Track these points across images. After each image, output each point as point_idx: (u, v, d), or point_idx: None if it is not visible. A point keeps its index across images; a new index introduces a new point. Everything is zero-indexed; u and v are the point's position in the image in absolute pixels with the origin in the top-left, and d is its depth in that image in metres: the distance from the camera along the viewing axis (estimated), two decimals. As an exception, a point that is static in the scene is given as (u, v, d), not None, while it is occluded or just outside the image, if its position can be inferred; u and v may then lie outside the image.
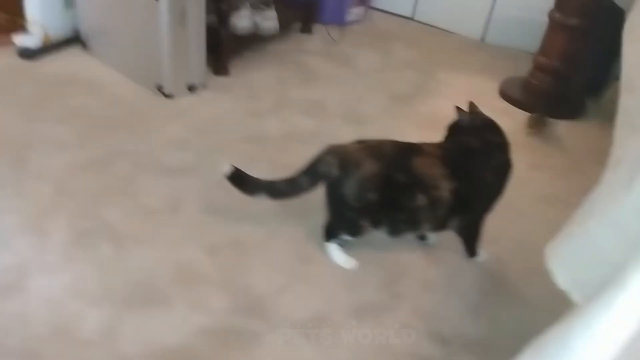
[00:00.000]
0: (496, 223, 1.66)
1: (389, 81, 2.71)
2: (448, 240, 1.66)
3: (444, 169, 1.50)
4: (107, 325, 1.35)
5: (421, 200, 1.49)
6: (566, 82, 2.62)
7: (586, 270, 0.96)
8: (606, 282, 0.91)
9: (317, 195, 1.55)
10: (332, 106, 2.44)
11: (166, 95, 2.27)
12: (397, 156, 1.52)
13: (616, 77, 2.69)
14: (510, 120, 2.52)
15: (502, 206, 1.89)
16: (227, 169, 1.56)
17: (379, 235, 1.58)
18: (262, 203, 1.76)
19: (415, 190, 1.49)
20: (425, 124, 2.37)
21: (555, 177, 2.13)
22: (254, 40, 2.72)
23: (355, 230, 1.57)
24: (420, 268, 1.65)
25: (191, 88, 2.33)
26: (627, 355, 0.71)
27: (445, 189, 1.49)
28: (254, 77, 2.58)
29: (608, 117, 2.61)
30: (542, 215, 1.90)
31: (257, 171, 1.61)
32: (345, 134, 2.25)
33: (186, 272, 1.52)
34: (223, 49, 2.51)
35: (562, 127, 2.50)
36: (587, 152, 2.32)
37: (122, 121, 2.12)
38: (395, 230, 1.57)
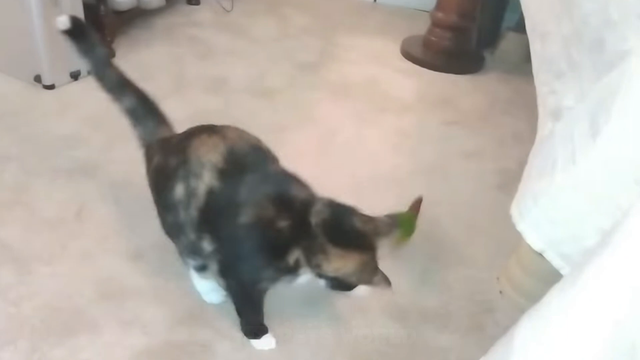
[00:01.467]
0: (425, 184, 1.62)
1: (291, 50, 2.58)
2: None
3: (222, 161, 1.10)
4: (24, 365, 1.14)
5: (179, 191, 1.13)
6: (465, 37, 2.66)
7: (558, 229, 0.93)
8: (585, 242, 0.89)
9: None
10: (236, 81, 2.28)
11: (47, 86, 1.98)
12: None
13: (508, 28, 2.78)
14: (417, 80, 2.51)
15: (426, 166, 1.88)
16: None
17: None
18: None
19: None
20: (337, 92, 2.29)
21: (470, 131, 2.15)
22: (139, 16, 2.47)
23: None
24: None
25: (75, 75, 2.05)
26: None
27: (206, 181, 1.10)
28: (144, 56, 2.34)
29: (505, 68, 2.71)
30: (466, 171, 1.90)
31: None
32: (256, 110, 2.12)
33: (109, 287, 1.32)
34: (105, 28, 2.24)
35: (465, 82, 2.54)
36: (494, 105, 2.37)
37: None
38: None
